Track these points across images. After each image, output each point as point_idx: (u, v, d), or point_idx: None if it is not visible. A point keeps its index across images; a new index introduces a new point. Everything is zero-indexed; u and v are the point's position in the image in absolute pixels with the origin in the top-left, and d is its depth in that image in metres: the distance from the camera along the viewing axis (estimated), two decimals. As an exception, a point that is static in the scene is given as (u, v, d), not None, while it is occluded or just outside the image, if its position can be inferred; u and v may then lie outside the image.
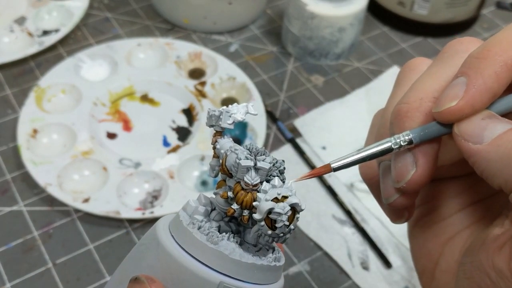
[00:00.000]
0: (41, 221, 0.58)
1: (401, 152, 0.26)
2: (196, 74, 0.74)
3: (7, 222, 0.58)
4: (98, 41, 0.78)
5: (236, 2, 0.78)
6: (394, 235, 0.59)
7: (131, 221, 0.59)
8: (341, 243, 0.58)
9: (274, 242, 0.25)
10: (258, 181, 0.25)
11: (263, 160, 0.25)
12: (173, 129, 0.68)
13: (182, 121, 0.68)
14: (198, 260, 0.24)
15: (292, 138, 0.67)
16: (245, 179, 0.25)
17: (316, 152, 0.66)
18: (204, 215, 0.26)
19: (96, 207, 0.57)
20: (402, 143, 0.25)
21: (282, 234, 0.24)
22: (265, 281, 0.26)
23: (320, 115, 0.70)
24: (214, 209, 0.27)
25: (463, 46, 0.28)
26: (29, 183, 0.60)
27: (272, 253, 0.27)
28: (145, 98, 0.70)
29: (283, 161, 0.26)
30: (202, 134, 0.66)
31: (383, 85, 0.75)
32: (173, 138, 0.66)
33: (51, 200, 0.59)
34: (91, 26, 0.80)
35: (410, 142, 0.25)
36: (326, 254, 0.57)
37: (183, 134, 0.67)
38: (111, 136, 0.66)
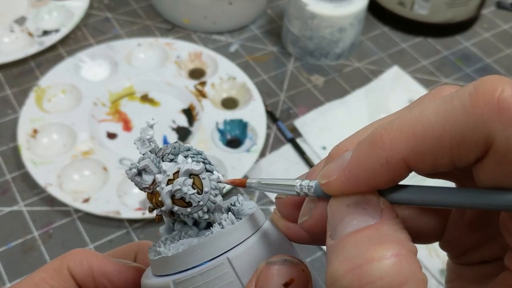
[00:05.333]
0: (41, 221, 0.58)
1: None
2: (196, 74, 0.74)
3: (7, 222, 0.58)
4: (98, 41, 0.78)
5: (236, 2, 0.78)
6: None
7: (131, 221, 0.59)
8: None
9: (213, 213, 0.25)
10: (151, 179, 0.24)
11: (170, 160, 0.25)
12: (173, 129, 0.68)
13: (182, 121, 0.68)
14: (156, 276, 0.25)
15: (292, 138, 0.67)
16: (138, 185, 0.25)
17: (316, 152, 0.66)
18: (168, 232, 0.26)
19: (96, 207, 0.57)
20: (305, 191, 0.22)
21: (201, 202, 0.24)
22: (215, 254, 0.24)
23: (320, 115, 0.70)
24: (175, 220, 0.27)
25: (440, 93, 0.22)
26: (29, 183, 0.60)
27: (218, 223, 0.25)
28: (145, 98, 0.70)
29: (199, 153, 0.25)
30: (202, 134, 0.66)
31: (383, 85, 0.75)
32: (173, 138, 0.66)
33: (51, 200, 0.59)
34: (91, 26, 0.80)
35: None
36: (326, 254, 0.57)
37: (183, 134, 0.67)
38: (111, 136, 0.66)
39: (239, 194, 0.27)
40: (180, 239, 0.25)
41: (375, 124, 0.23)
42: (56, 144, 0.64)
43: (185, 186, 0.23)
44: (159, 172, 0.24)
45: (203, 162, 0.24)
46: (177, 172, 0.24)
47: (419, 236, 0.26)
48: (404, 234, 0.20)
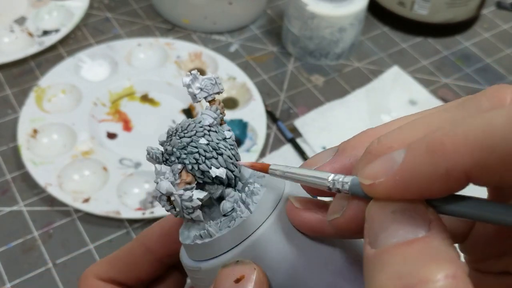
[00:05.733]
0: (41, 221, 0.58)
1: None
2: (196, 74, 0.74)
3: (7, 222, 0.58)
4: (98, 41, 0.78)
5: (236, 2, 0.78)
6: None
7: (131, 221, 0.59)
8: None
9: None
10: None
11: (165, 160, 0.25)
12: (173, 129, 0.67)
13: (182, 121, 0.68)
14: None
15: (292, 138, 0.67)
16: None
17: (316, 152, 0.66)
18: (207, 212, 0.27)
19: (96, 207, 0.57)
20: (338, 186, 0.21)
21: (178, 216, 0.24)
22: (210, 255, 0.25)
23: (320, 115, 0.70)
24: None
25: (496, 99, 0.20)
26: (29, 183, 0.60)
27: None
28: (145, 98, 0.70)
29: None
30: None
31: (383, 85, 0.75)
32: (173, 138, 0.66)
33: (51, 200, 0.59)
34: (91, 26, 0.80)
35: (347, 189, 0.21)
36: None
37: (183, 134, 0.67)
38: (111, 136, 0.66)
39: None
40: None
41: (420, 122, 0.21)
42: (56, 144, 0.64)
43: (162, 201, 0.24)
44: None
45: (194, 168, 0.24)
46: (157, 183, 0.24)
47: None
48: (456, 251, 0.18)
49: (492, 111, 0.18)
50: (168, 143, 0.25)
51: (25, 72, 0.73)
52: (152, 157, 0.25)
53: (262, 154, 0.66)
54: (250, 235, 0.24)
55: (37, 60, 0.74)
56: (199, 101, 0.26)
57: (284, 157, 0.66)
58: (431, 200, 0.19)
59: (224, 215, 0.25)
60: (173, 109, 0.69)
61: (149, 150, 0.25)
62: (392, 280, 0.17)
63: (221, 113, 0.26)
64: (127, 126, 0.67)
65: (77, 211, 0.59)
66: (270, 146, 0.67)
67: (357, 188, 0.20)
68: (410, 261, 0.17)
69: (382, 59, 0.80)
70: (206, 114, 0.26)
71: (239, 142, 0.67)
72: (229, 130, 0.26)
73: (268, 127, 0.68)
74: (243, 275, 0.23)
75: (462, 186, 0.18)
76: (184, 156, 0.24)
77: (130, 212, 0.58)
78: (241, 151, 0.65)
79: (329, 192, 0.22)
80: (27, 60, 0.74)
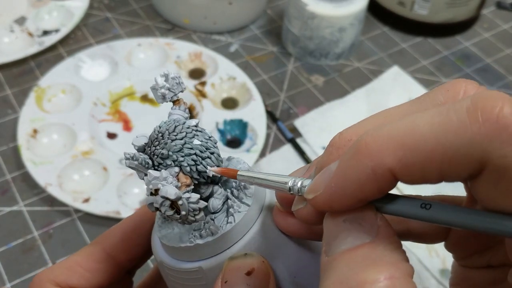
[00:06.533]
0: (41, 221, 0.58)
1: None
2: (196, 74, 0.74)
3: (7, 222, 0.58)
4: (98, 41, 0.78)
5: (236, 2, 0.78)
6: (394, 235, 0.59)
7: (131, 221, 0.59)
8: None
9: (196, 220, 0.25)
10: (142, 176, 0.25)
11: (158, 164, 0.25)
12: (173, 129, 0.67)
13: (182, 121, 0.68)
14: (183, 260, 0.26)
15: (292, 138, 0.67)
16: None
17: (316, 152, 0.66)
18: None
19: (96, 207, 0.57)
20: (298, 192, 0.22)
21: (180, 220, 0.24)
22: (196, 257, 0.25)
23: (320, 115, 0.70)
24: None
25: (450, 93, 0.21)
26: (29, 183, 0.60)
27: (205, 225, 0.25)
28: (145, 98, 0.70)
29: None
30: (202, 134, 0.66)
31: (383, 85, 0.75)
32: (173, 138, 0.66)
33: (51, 200, 0.59)
34: (91, 26, 0.80)
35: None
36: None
37: (183, 134, 0.67)
38: (111, 136, 0.66)
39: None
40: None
41: (379, 116, 0.22)
42: (56, 144, 0.64)
43: (163, 207, 0.23)
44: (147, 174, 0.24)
45: (192, 170, 0.24)
46: (158, 189, 0.23)
47: (424, 236, 0.25)
48: (401, 254, 0.19)
49: (418, 113, 0.19)
50: (159, 147, 0.24)
51: (25, 72, 0.73)
52: (141, 163, 0.24)
53: (262, 154, 0.66)
54: (250, 228, 0.25)
55: (37, 60, 0.74)
56: (167, 102, 0.26)
57: (284, 157, 0.66)
58: (376, 203, 0.20)
59: (213, 212, 0.25)
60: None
61: (136, 156, 0.24)
62: (335, 285, 0.18)
63: (189, 112, 0.26)
64: (127, 126, 0.67)
65: (77, 211, 0.59)
66: (270, 146, 0.67)
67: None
68: (353, 266, 0.18)
69: (382, 59, 0.80)
70: (177, 114, 0.26)
71: (239, 142, 0.67)
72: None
73: (268, 127, 0.68)
74: (253, 267, 0.23)
75: (392, 184, 0.19)
76: (181, 158, 0.24)
77: (130, 212, 0.57)
78: (241, 151, 0.65)
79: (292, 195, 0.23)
80: (27, 60, 0.74)
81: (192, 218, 0.24)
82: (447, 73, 0.79)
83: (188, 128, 0.25)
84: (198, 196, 0.23)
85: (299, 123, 0.69)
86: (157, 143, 0.25)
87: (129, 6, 0.84)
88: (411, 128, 0.18)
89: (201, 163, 0.24)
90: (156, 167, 0.24)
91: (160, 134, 0.25)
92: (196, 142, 0.24)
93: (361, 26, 0.77)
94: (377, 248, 0.19)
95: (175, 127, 0.25)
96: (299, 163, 0.65)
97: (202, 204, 0.23)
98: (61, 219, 0.58)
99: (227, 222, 0.24)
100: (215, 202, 0.25)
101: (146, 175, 0.24)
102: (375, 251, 0.19)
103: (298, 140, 0.67)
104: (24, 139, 0.62)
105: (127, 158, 0.24)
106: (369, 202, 0.20)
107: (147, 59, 0.75)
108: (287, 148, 0.67)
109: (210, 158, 0.24)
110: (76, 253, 0.29)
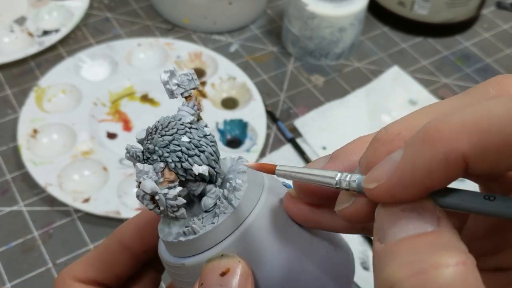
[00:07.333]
0: (41, 221, 0.58)
1: None
2: (196, 74, 0.74)
3: (7, 222, 0.58)
4: (98, 41, 0.78)
5: (236, 2, 0.78)
6: (394, 235, 0.59)
7: (131, 221, 0.59)
8: (341, 243, 0.58)
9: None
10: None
11: (146, 159, 0.25)
12: (173, 129, 0.67)
13: (182, 121, 0.68)
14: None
15: (292, 138, 0.67)
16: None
17: (316, 152, 0.66)
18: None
19: (96, 207, 0.57)
20: (345, 186, 0.21)
21: (162, 215, 0.24)
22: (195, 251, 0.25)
23: (320, 115, 0.70)
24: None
25: (502, 87, 0.21)
26: (29, 183, 0.60)
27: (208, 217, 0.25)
28: (145, 98, 0.70)
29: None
30: (202, 134, 0.66)
31: (383, 85, 0.75)
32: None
33: (51, 200, 0.59)
34: (91, 26, 0.80)
35: (355, 188, 0.21)
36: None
37: (183, 134, 0.67)
38: (111, 136, 0.66)
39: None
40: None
41: (429, 109, 0.21)
42: (56, 144, 0.64)
43: (145, 200, 0.23)
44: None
45: (176, 166, 0.24)
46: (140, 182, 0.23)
47: None
48: (464, 245, 0.18)
49: (491, 99, 0.18)
50: (149, 142, 0.25)
51: (25, 72, 0.73)
52: (132, 156, 0.25)
53: (262, 154, 0.66)
54: (234, 230, 0.24)
55: (37, 60, 0.74)
56: (176, 98, 0.26)
57: (284, 157, 0.66)
58: (433, 195, 0.19)
59: (206, 211, 0.25)
60: (173, 109, 0.69)
61: (128, 148, 0.25)
62: (404, 267, 0.17)
63: (198, 109, 0.26)
64: (127, 126, 0.67)
65: (77, 211, 0.59)
66: (270, 146, 0.67)
67: (360, 186, 0.21)
68: (422, 251, 0.18)
69: (382, 59, 0.80)
70: (184, 111, 0.26)
71: (239, 142, 0.67)
72: (207, 126, 0.26)
73: (268, 127, 0.68)
74: (228, 268, 0.23)
75: (461, 172, 0.18)
76: (166, 154, 0.24)
77: (130, 212, 0.57)
78: (241, 151, 0.65)
79: (334, 190, 0.22)
80: (27, 60, 0.74)
81: (172, 215, 0.24)
82: (447, 73, 0.79)
83: (181, 124, 0.25)
84: (175, 193, 0.23)
85: (299, 123, 0.69)
86: (150, 137, 0.25)
87: (129, 6, 0.84)
88: (486, 112, 0.18)
89: (187, 160, 0.24)
90: (145, 161, 0.25)
91: (155, 129, 0.25)
92: (184, 139, 0.24)
93: (361, 26, 0.77)
94: (443, 236, 0.18)
95: (169, 122, 0.25)
96: (299, 163, 0.65)
97: (181, 201, 0.23)
98: (61, 219, 0.58)
99: (211, 223, 0.24)
100: (207, 201, 0.25)
101: None
102: (441, 239, 0.18)
103: (298, 140, 0.67)
104: (24, 139, 0.62)
105: (127, 151, 0.25)
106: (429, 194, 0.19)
107: (147, 59, 0.75)
108: (287, 148, 0.67)
109: (198, 156, 0.24)
110: (95, 248, 0.31)
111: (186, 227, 0.24)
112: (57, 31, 0.76)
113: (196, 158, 0.24)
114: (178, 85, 0.26)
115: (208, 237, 0.24)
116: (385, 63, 0.79)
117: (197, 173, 0.24)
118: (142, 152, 0.25)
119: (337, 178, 0.21)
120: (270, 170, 0.23)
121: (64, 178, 0.60)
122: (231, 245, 0.24)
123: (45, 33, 0.76)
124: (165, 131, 0.25)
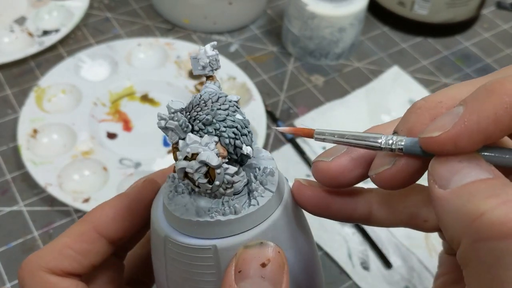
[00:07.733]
0: (41, 221, 0.58)
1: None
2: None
3: (7, 222, 0.58)
4: (98, 41, 0.78)
5: (236, 2, 0.78)
6: (394, 235, 0.59)
7: (131, 221, 0.59)
8: (341, 243, 0.58)
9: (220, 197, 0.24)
10: (176, 139, 0.23)
11: (199, 130, 0.23)
12: (173, 129, 0.67)
13: (182, 121, 0.68)
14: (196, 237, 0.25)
15: (292, 138, 0.67)
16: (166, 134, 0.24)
17: (316, 152, 0.66)
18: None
19: (96, 207, 0.57)
20: (392, 147, 0.22)
21: (209, 190, 0.23)
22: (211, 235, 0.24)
23: (320, 115, 0.70)
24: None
25: None
26: (29, 183, 0.60)
27: (249, 199, 0.24)
28: (145, 98, 0.71)
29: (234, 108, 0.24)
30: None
31: (383, 85, 0.75)
32: (173, 138, 0.66)
33: (51, 200, 0.59)
34: (91, 26, 0.80)
35: (400, 149, 0.22)
36: (326, 254, 0.57)
37: (183, 134, 0.67)
38: (111, 136, 0.66)
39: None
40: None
41: (467, 82, 0.23)
42: (56, 144, 0.64)
43: (197, 173, 0.22)
44: (184, 138, 0.23)
45: (230, 143, 0.23)
46: (197, 154, 0.22)
47: (419, 224, 0.26)
48: None
49: None
50: (202, 112, 0.23)
51: (25, 72, 0.73)
52: (181, 125, 0.23)
53: (262, 154, 0.66)
54: (271, 215, 0.24)
55: (37, 60, 0.74)
56: (203, 74, 0.26)
57: (284, 157, 0.66)
58: (482, 152, 0.21)
59: (235, 194, 0.24)
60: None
61: (179, 116, 0.23)
62: (490, 199, 0.19)
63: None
64: (127, 126, 0.67)
65: (77, 211, 0.59)
66: (270, 146, 0.67)
67: (411, 147, 0.22)
68: (499, 186, 0.20)
69: (382, 59, 0.80)
70: (211, 88, 0.25)
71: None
72: None
73: (268, 127, 0.69)
74: (269, 259, 0.23)
75: None
76: (223, 129, 0.23)
77: (130, 212, 0.57)
78: (241, 151, 0.65)
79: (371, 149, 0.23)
80: (27, 60, 0.74)
81: (223, 191, 0.23)
82: (447, 73, 0.79)
83: (230, 101, 0.24)
84: (236, 168, 0.23)
85: (299, 123, 0.69)
86: (199, 109, 0.23)
87: (129, 6, 0.84)
88: None
89: (240, 138, 0.23)
90: (194, 132, 0.23)
91: (203, 101, 0.24)
92: (238, 116, 0.24)
93: (361, 26, 0.77)
94: (503, 180, 0.20)
95: (219, 97, 0.24)
96: (299, 163, 0.65)
97: (237, 178, 0.23)
98: (61, 219, 0.58)
99: (250, 205, 0.24)
100: (238, 184, 0.24)
101: (182, 138, 0.23)
102: (504, 181, 0.20)
103: (298, 140, 0.67)
104: (24, 139, 0.62)
105: (162, 119, 0.23)
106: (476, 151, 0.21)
107: (147, 59, 0.75)
108: (287, 148, 0.67)
109: (247, 136, 0.24)
110: (64, 234, 0.27)
111: (219, 206, 0.23)
112: (57, 31, 0.76)
113: (245, 138, 0.24)
114: (210, 63, 0.25)
115: (249, 219, 0.24)
116: (385, 63, 0.79)
117: (245, 153, 0.23)
118: (189, 121, 0.23)
119: (382, 140, 0.22)
120: (308, 134, 0.24)
121: (64, 178, 0.60)
122: (268, 228, 0.24)
123: (45, 33, 0.76)
124: (219, 105, 0.23)
